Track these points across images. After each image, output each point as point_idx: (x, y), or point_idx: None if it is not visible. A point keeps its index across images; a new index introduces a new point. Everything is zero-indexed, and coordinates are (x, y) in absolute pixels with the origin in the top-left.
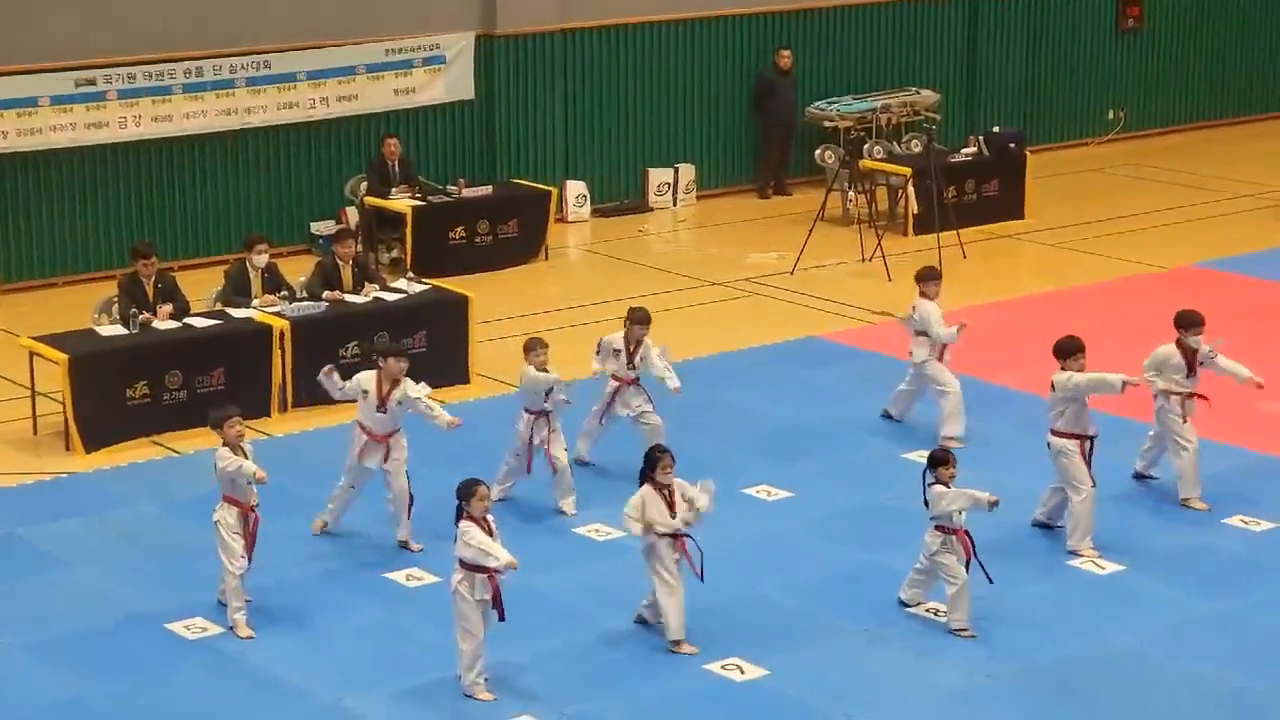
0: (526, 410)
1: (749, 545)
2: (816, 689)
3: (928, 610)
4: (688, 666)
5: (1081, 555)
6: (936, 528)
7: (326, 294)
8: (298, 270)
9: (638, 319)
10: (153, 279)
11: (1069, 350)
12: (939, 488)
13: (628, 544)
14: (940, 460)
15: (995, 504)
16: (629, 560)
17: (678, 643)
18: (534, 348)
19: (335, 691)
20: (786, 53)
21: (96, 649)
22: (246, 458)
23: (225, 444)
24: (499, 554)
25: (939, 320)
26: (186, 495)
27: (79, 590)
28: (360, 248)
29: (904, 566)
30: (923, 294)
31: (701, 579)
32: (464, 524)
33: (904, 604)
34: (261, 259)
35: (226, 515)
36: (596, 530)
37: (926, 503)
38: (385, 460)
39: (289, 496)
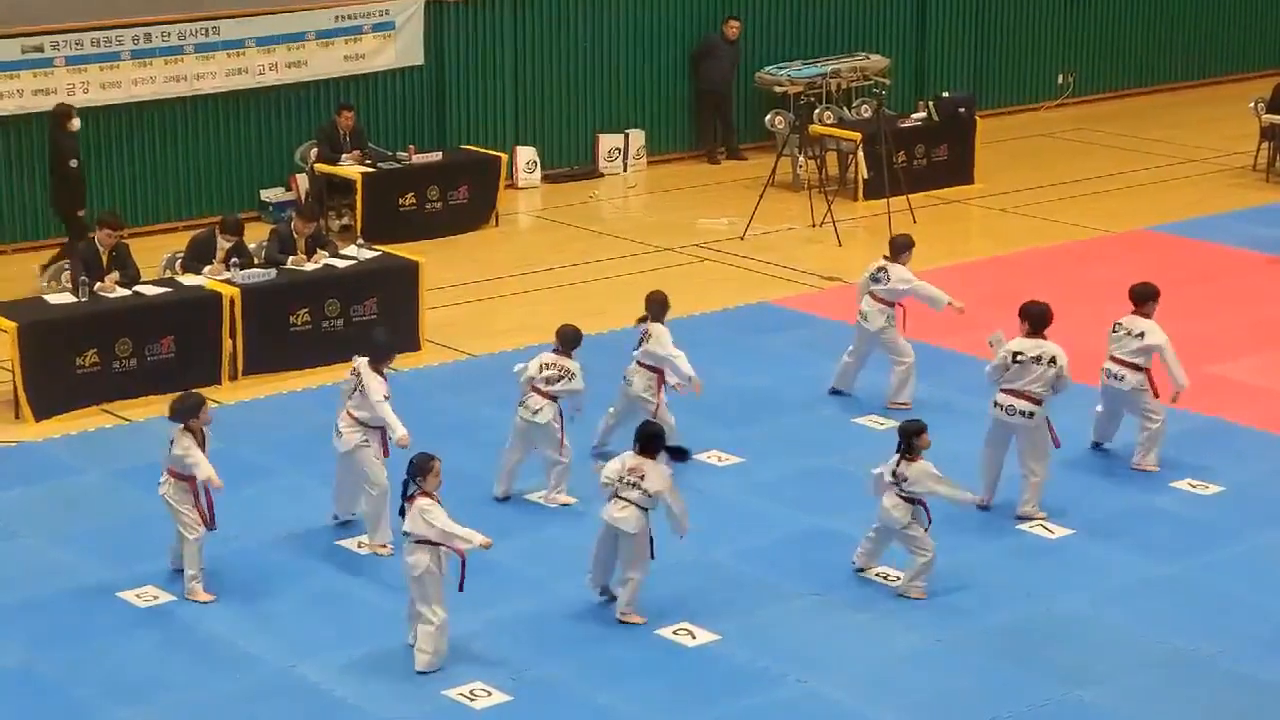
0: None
1: (699, 510)
2: (767, 653)
3: (878, 575)
4: (639, 632)
5: (1033, 519)
6: (903, 498)
7: (291, 260)
8: (249, 237)
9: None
10: (110, 248)
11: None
12: (926, 465)
13: (577, 510)
14: (916, 431)
15: (984, 506)
16: (580, 527)
17: (626, 613)
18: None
19: (287, 659)
20: (735, 23)
21: (47, 617)
22: (205, 443)
23: (188, 430)
24: (472, 537)
25: (923, 285)
26: (137, 463)
27: (29, 559)
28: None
29: (854, 531)
30: (895, 263)
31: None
32: (424, 501)
33: (859, 569)
34: (230, 242)
35: (172, 489)
36: (548, 497)
37: (895, 476)
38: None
39: (239, 465)
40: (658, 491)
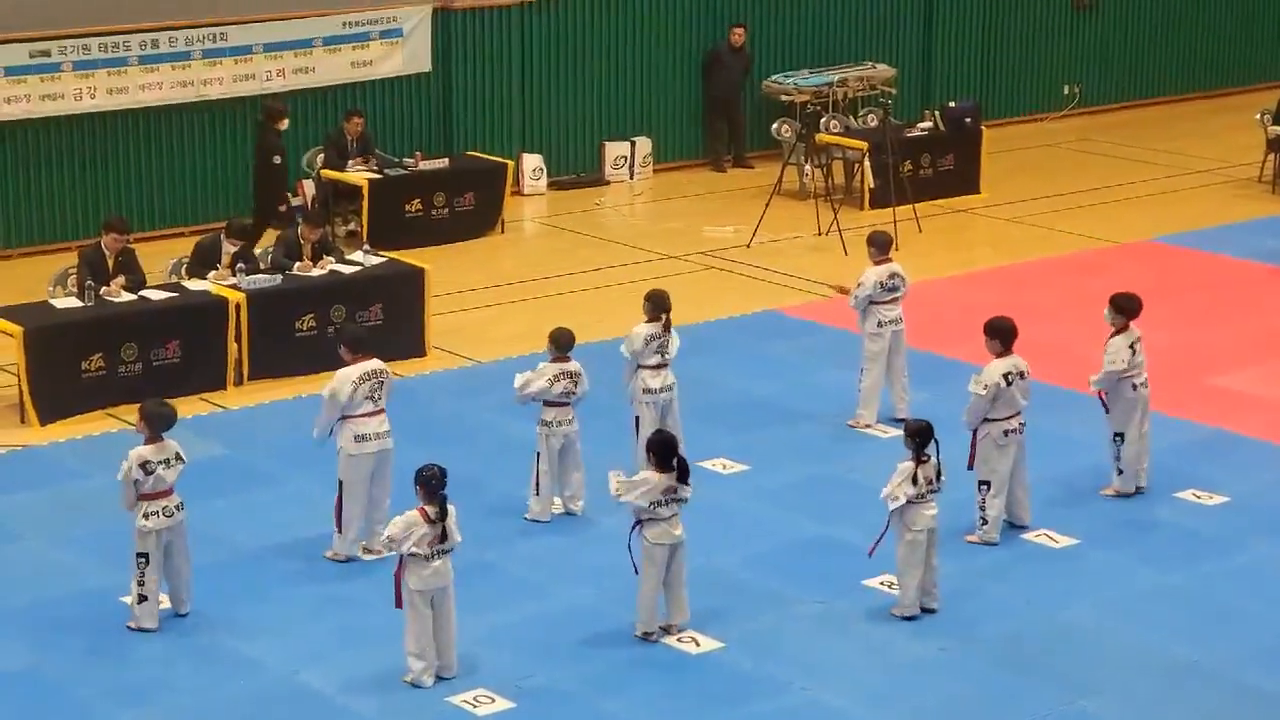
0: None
1: (705, 518)
2: (771, 661)
3: (882, 583)
4: (642, 639)
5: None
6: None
7: (297, 266)
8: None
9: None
10: (116, 253)
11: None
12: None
13: (580, 517)
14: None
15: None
16: (581, 535)
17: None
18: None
19: (289, 665)
20: (740, 30)
21: (50, 621)
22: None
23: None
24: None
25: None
26: None
27: (33, 562)
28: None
29: (858, 539)
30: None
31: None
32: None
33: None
34: (236, 246)
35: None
36: (552, 504)
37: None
38: None
39: (244, 469)
40: (688, 494)
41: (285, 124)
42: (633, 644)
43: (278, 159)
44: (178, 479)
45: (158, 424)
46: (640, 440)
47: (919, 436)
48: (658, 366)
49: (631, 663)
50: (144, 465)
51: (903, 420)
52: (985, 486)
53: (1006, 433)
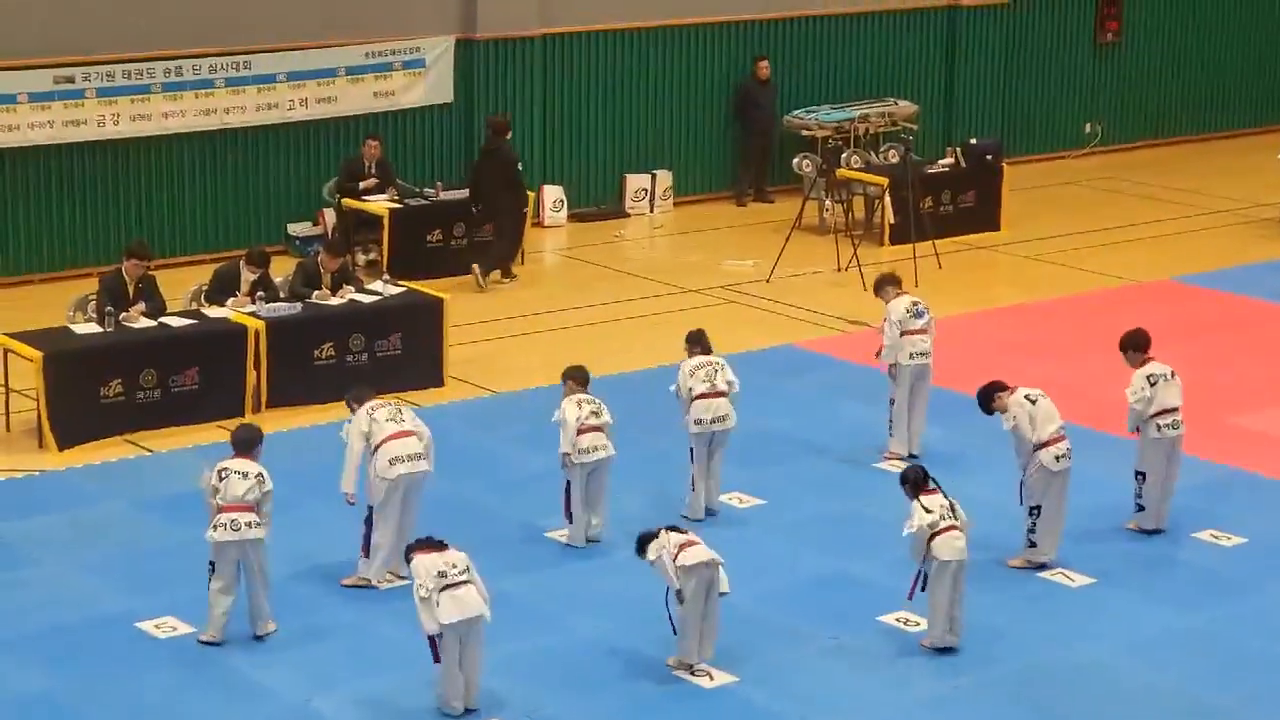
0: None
1: (720, 552)
2: (785, 696)
3: (897, 619)
4: (656, 671)
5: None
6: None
7: (316, 294)
8: (275, 271)
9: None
10: (137, 279)
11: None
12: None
13: (596, 549)
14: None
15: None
16: (597, 564)
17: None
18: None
19: (302, 692)
20: (765, 63)
21: (66, 646)
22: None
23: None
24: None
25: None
26: (159, 494)
27: (50, 587)
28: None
29: (874, 575)
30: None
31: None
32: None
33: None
34: (255, 274)
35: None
36: (566, 534)
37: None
38: None
39: None
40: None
41: (510, 134)
42: (646, 676)
43: (520, 165)
44: (254, 497)
45: (236, 445)
46: (695, 466)
47: (909, 484)
48: (707, 395)
49: (645, 696)
50: (220, 470)
51: (914, 455)
52: (1035, 511)
53: (1058, 458)
